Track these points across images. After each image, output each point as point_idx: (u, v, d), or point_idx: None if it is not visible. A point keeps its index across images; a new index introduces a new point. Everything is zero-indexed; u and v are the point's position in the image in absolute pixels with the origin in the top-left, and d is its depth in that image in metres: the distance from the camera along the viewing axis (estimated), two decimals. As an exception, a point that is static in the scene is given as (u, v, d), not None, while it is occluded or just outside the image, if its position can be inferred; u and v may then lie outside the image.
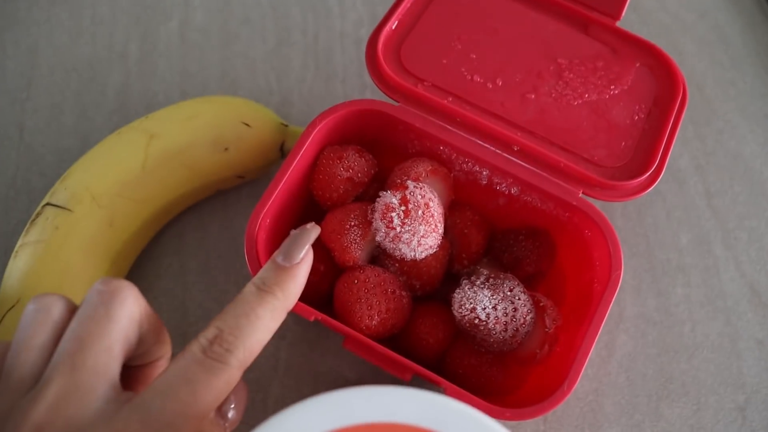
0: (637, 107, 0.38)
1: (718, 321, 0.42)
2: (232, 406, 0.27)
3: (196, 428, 0.23)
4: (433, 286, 0.38)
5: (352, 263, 0.36)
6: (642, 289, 0.42)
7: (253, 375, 0.39)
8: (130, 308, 0.24)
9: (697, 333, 0.42)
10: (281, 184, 0.35)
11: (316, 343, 0.40)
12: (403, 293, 0.36)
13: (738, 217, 0.44)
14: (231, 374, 0.23)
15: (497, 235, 0.39)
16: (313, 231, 0.28)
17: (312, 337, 0.40)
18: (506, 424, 0.39)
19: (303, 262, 0.27)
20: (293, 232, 0.28)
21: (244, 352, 0.24)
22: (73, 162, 0.40)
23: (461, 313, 0.34)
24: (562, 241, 0.39)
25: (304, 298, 0.38)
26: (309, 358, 0.40)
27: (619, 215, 0.44)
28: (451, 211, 0.39)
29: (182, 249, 0.42)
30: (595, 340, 0.33)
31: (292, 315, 0.40)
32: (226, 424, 0.26)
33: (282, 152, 0.42)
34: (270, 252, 0.37)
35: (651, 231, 0.43)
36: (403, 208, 0.34)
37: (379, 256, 0.38)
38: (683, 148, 0.45)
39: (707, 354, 0.41)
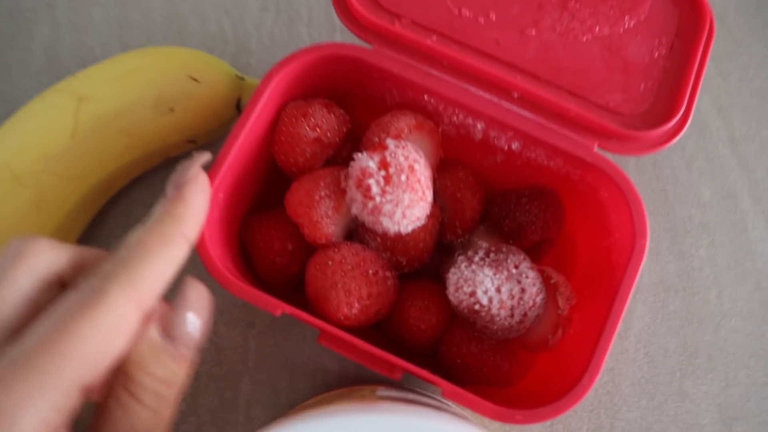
0: (656, 42, 0.31)
1: (747, 285, 0.36)
2: (188, 322, 0.22)
3: (93, 373, 0.18)
4: (422, 261, 0.32)
5: (324, 241, 0.30)
6: (661, 252, 0.36)
7: (220, 370, 0.34)
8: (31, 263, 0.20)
9: (724, 299, 0.36)
10: (233, 150, 0.29)
11: (290, 329, 0.34)
12: (388, 273, 0.30)
13: (767, 165, 0.38)
14: (116, 306, 0.19)
15: (495, 198, 0.33)
16: (200, 156, 0.25)
17: (284, 323, 0.34)
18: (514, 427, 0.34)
19: (191, 182, 0.24)
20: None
21: (129, 280, 0.20)
22: (-6, 133, 0.33)
23: (458, 297, 0.28)
24: (573, 204, 0.32)
25: (270, 285, 0.32)
26: (283, 348, 0.34)
27: (633, 167, 0.37)
28: (440, 172, 0.32)
29: (130, 228, 0.35)
30: (618, 323, 0.27)
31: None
32: (183, 348, 0.21)
33: (238, 110, 0.35)
34: (225, 235, 0.31)
35: (669, 185, 0.37)
36: (382, 173, 0.28)
37: (358, 230, 0.31)
38: (703, 88, 0.39)
39: (736, 323, 0.36)
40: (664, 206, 0.37)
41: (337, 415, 0.19)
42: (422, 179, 0.28)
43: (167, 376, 0.21)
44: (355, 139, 0.33)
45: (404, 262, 0.31)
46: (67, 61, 0.38)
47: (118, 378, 0.20)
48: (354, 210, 0.29)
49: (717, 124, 0.38)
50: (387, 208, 0.28)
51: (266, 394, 0.34)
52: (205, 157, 0.25)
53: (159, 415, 0.20)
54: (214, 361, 0.34)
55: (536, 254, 0.33)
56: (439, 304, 0.31)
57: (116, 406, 0.20)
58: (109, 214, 0.36)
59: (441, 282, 0.32)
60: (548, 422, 0.34)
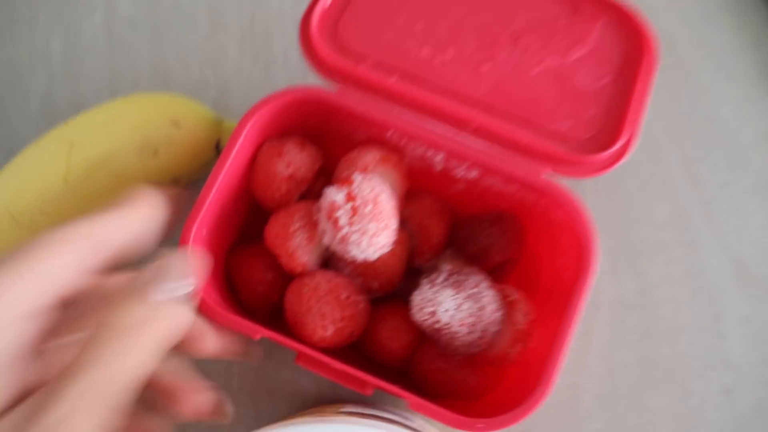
0: (603, 70, 0.33)
1: (701, 300, 0.38)
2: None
3: None
4: (393, 285, 0.34)
5: (300, 270, 0.32)
6: (619, 272, 0.38)
7: (206, 395, 0.35)
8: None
9: (680, 315, 0.38)
10: (215, 189, 0.31)
11: (270, 354, 0.36)
12: (360, 298, 0.32)
13: (718, 185, 0.40)
14: None
15: (460, 223, 0.35)
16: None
17: (265, 350, 0.36)
18: None
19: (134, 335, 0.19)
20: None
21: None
22: (-5, 177, 0.35)
23: (421, 317, 0.30)
24: (532, 226, 0.34)
25: (253, 311, 0.34)
26: (264, 372, 0.36)
27: (590, 191, 0.39)
28: (407, 201, 0.34)
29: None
30: (570, 336, 0.29)
31: (244, 326, 0.36)
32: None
33: (218, 151, 0.37)
34: (210, 267, 0.33)
35: (625, 207, 0.39)
36: (349, 205, 0.30)
37: (332, 259, 0.33)
38: (656, 114, 0.41)
39: (691, 336, 0.38)
40: (621, 228, 0.39)
41: (284, 428, 0.21)
42: (386, 209, 0.30)
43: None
44: (328, 173, 0.35)
45: (376, 286, 0.33)
46: (61, 107, 0.40)
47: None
48: (326, 240, 0.31)
49: (669, 147, 0.40)
50: (354, 237, 0.30)
51: (249, 415, 0.35)
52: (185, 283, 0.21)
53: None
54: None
55: (500, 275, 0.35)
56: (410, 324, 0.33)
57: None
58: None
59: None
60: (516, 433, 0.36)
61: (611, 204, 0.39)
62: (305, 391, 0.36)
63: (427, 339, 0.33)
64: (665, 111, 0.41)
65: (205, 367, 0.35)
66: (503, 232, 0.34)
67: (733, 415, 0.36)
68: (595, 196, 0.39)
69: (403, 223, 0.34)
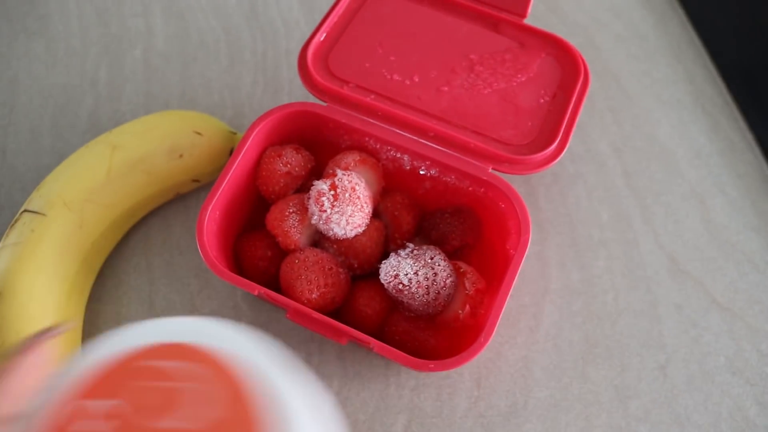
0: (542, 92, 0.42)
1: (639, 289, 0.46)
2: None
3: None
4: (371, 264, 0.42)
5: (293, 246, 0.41)
6: (566, 264, 0.46)
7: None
8: None
9: (620, 301, 0.46)
10: (227, 179, 0.40)
11: (268, 325, 0.44)
12: (341, 270, 0.41)
13: (655, 193, 0.48)
14: None
15: (426, 215, 0.44)
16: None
17: (264, 321, 0.45)
18: (434, 376, 0.43)
19: None
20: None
21: None
22: (50, 177, 0.45)
23: (386, 279, 0.39)
24: (485, 216, 0.43)
25: (252, 278, 0.43)
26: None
27: (543, 197, 0.48)
28: (383, 197, 0.43)
29: (148, 248, 0.47)
30: (508, 296, 0.37)
31: (246, 301, 0.45)
32: None
33: (233, 156, 0.47)
34: (221, 244, 0.41)
35: (573, 210, 0.48)
36: (332, 192, 0.39)
37: (320, 241, 0.42)
38: (602, 134, 0.50)
39: (629, 320, 0.45)
40: (569, 227, 0.47)
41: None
42: (361, 196, 0.39)
43: None
44: (318, 174, 0.44)
45: (356, 265, 0.42)
46: (105, 123, 0.50)
47: None
48: (313, 221, 0.40)
49: (613, 161, 0.49)
50: (335, 217, 0.39)
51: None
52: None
53: None
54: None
55: (460, 256, 0.43)
56: (382, 295, 0.41)
57: None
58: (132, 237, 0.47)
59: (386, 282, 0.42)
60: (473, 398, 0.43)
61: (562, 208, 0.48)
62: (296, 354, 0.44)
63: (396, 307, 0.41)
64: (610, 131, 0.50)
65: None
66: (461, 222, 0.42)
67: (666, 387, 0.43)
68: (548, 201, 0.48)
69: (380, 215, 0.43)
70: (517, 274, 0.38)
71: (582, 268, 0.46)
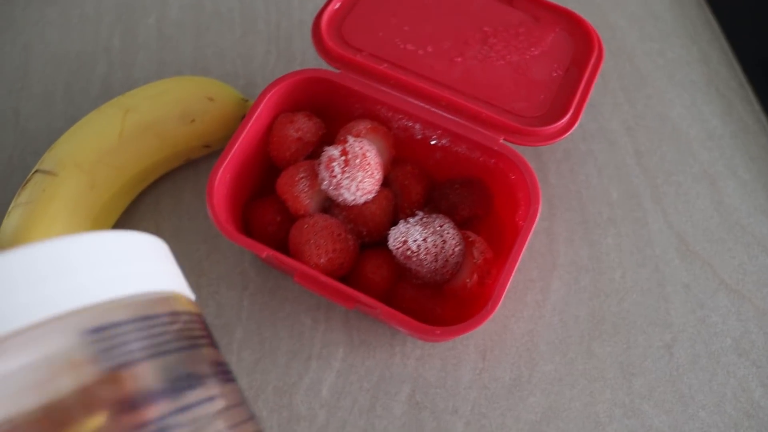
0: (555, 65, 0.44)
1: (647, 267, 0.47)
2: None
3: None
4: (379, 232, 0.43)
5: (303, 212, 0.42)
6: (575, 240, 0.48)
7: (220, 321, 0.45)
8: None
9: (627, 279, 0.47)
10: (238, 143, 0.41)
11: (275, 291, 0.46)
12: (349, 236, 0.42)
13: (665, 173, 0.49)
14: None
15: (436, 185, 0.45)
16: None
17: (272, 287, 0.46)
18: (440, 347, 0.44)
19: None
20: None
21: None
22: (62, 141, 0.46)
23: (395, 246, 0.40)
24: (495, 187, 0.44)
25: (261, 242, 0.44)
26: (269, 306, 0.46)
27: (553, 173, 0.49)
28: (394, 166, 0.45)
29: (158, 213, 0.48)
30: (516, 265, 0.38)
31: (254, 266, 0.46)
32: None
33: (244, 123, 0.48)
34: (231, 207, 0.43)
35: (583, 187, 0.49)
36: (343, 158, 0.40)
37: (329, 207, 0.44)
38: (614, 113, 0.51)
39: (636, 297, 0.46)
40: (579, 204, 0.48)
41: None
42: (372, 162, 0.41)
43: None
44: (329, 142, 0.45)
45: (365, 232, 0.43)
46: (117, 90, 0.52)
47: None
48: (323, 186, 0.41)
49: (625, 140, 0.50)
50: (345, 182, 0.40)
51: (254, 340, 0.45)
52: None
53: None
54: (215, 314, 0.45)
55: (470, 227, 0.44)
56: (390, 262, 0.43)
57: None
58: (142, 201, 0.48)
59: (394, 251, 0.44)
60: (477, 370, 0.44)
61: (572, 185, 0.49)
62: (302, 322, 0.45)
63: (403, 275, 0.43)
64: (622, 110, 0.51)
65: (221, 299, 0.46)
66: (471, 192, 0.44)
67: (671, 366, 0.45)
68: (558, 177, 0.49)
69: (389, 184, 0.44)
70: (525, 248, 0.40)
71: (590, 244, 0.47)
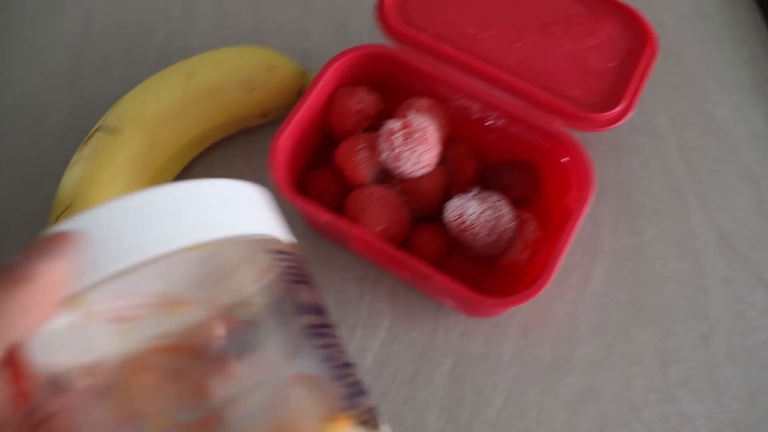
0: (610, 57, 0.45)
1: (687, 260, 0.49)
2: None
3: None
4: (431, 208, 0.45)
5: (360, 182, 0.44)
6: (618, 229, 0.49)
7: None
8: None
9: (667, 269, 0.48)
10: (301, 110, 0.43)
11: (324, 261, 0.48)
12: (404, 209, 0.44)
13: (709, 170, 0.51)
14: None
15: (488, 166, 0.47)
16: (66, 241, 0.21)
17: (321, 256, 0.48)
18: (483, 323, 0.46)
19: (35, 285, 0.20)
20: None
21: None
22: (120, 104, 0.48)
23: (452, 218, 0.42)
24: (547, 171, 0.46)
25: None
26: (318, 274, 0.46)
27: (600, 163, 0.50)
28: (448, 145, 0.46)
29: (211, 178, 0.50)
30: (569, 243, 0.40)
31: (305, 236, 0.48)
32: None
33: (300, 96, 0.50)
34: (287, 172, 0.44)
35: (629, 178, 0.51)
36: (404, 131, 0.42)
37: (384, 181, 0.45)
38: (661, 108, 0.53)
39: (676, 288, 0.48)
40: (624, 195, 0.50)
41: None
42: (431, 137, 0.42)
43: None
44: (387, 117, 0.47)
45: (418, 206, 0.45)
46: (175, 58, 0.53)
47: None
48: (382, 157, 0.43)
49: (670, 135, 0.52)
50: (405, 154, 0.42)
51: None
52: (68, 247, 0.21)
53: None
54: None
55: (518, 207, 0.46)
56: (442, 236, 0.44)
57: None
58: (196, 165, 0.50)
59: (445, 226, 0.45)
60: (518, 348, 0.46)
61: (617, 175, 0.51)
62: (349, 292, 0.47)
63: (455, 248, 0.44)
64: (669, 107, 0.53)
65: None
66: (522, 174, 0.45)
67: (707, 357, 0.46)
68: (604, 167, 0.51)
69: (443, 161, 0.46)
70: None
71: (633, 234, 0.49)
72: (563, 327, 0.47)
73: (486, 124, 0.46)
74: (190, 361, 0.22)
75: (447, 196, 0.46)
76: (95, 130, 0.46)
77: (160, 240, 0.21)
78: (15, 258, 0.20)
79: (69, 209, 0.44)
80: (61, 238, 0.21)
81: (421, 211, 0.45)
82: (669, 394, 0.45)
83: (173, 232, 0.22)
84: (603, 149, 0.51)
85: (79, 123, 0.52)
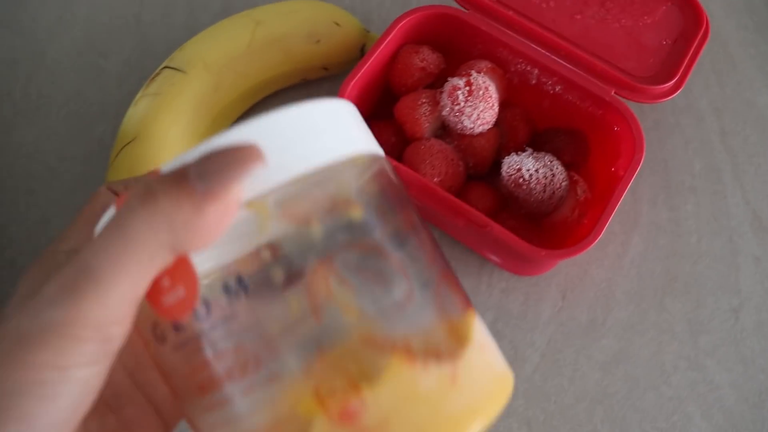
0: (664, 34, 0.48)
1: (722, 237, 0.51)
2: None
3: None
4: (484, 167, 0.47)
5: (419, 135, 0.46)
6: (657, 203, 0.52)
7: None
8: None
9: (702, 244, 0.51)
10: (369, 62, 0.45)
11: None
12: (460, 162, 0.46)
13: (747, 154, 0.54)
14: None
15: (540, 132, 0.49)
16: (256, 159, 0.21)
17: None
18: (524, 282, 0.48)
19: (222, 202, 0.21)
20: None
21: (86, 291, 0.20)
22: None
23: (508, 173, 0.44)
24: (596, 140, 0.48)
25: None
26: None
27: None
28: (503, 108, 0.48)
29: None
30: (619, 203, 0.42)
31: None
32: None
33: (362, 53, 0.52)
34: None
35: (669, 156, 0.53)
36: (467, 88, 0.44)
37: (441, 136, 0.47)
38: (704, 93, 0.55)
39: (709, 262, 0.50)
40: (664, 170, 0.52)
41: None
42: (493, 96, 0.45)
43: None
44: (447, 77, 0.49)
45: (471, 164, 0.47)
46: (238, 8, 0.55)
47: None
48: (444, 113, 0.45)
49: (712, 119, 0.54)
50: (467, 110, 0.44)
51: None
52: (259, 165, 0.21)
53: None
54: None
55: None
56: (494, 192, 0.47)
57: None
58: (254, 112, 0.52)
59: (497, 186, 0.47)
60: (557, 308, 0.48)
61: (659, 152, 0.53)
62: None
63: (506, 206, 0.46)
64: (712, 91, 0.55)
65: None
66: (573, 140, 0.48)
67: (736, 329, 0.49)
68: (647, 144, 0.53)
69: (497, 124, 0.48)
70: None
71: (671, 208, 0.51)
72: (600, 291, 0.49)
73: (545, 88, 0.48)
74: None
75: (498, 157, 0.48)
76: (162, 68, 0.48)
77: (327, 149, 0.23)
78: (196, 168, 0.21)
79: (133, 141, 0.46)
80: (242, 152, 0.21)
81: (473, 168, 0.47)
82: (698, 362, 0.47)
83: (336, 142, 0.24)
84: (647, 126, 0.54)
85: (138, 66, 0.54)
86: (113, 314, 0.20)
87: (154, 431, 0.27)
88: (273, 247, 0.23)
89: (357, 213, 0.25)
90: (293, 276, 0.23)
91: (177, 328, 0.23)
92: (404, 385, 0.22)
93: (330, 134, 0.24)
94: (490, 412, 0.23)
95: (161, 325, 0.23)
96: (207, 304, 0.22)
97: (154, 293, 0.22)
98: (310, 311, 0.23)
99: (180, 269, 0.22)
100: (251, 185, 0.21)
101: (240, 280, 0.23)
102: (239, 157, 0.21)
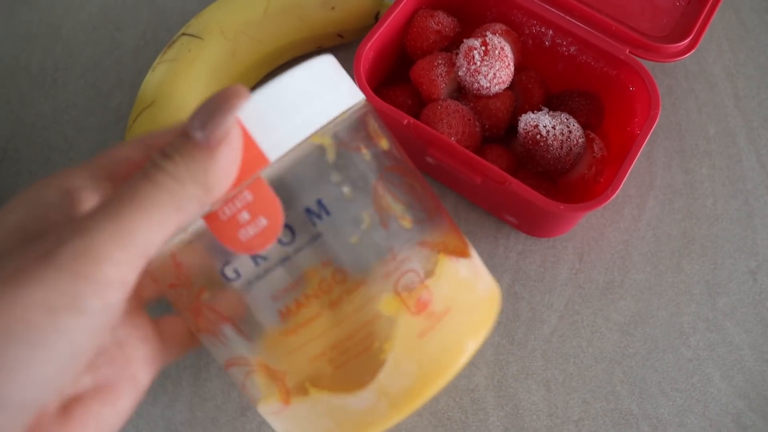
0: (679, -3, 0.49)
1: (738, 199, 0.52)
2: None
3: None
4: (499, 128, 0.49)
5: (436, 96, 0.47)
6: (672, 166, 0.53)
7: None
8: None
9: (718, 206, 0.52)
10: (384, 25, 0.47)
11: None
12: (476, 123, 0.47)
13: (762, 118, 0.55)
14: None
15: (555, 95, 0.50)
16: (237, 98, 0.24)
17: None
18: (541, 244, 0.49)
19: (226, 143, 0.24)
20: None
21: (113, 239, 0.22)
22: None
23: (525, 129, 0.45)
24: (609, 102, 0.49)
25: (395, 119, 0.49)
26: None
27: (658, 104, 0.54)
28: (518, 71, 0.50)
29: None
30: (635, 160, 0.43)
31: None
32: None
33: (376, 20, 0.53)
34: (369, 81, 0.47)
35: (683, 120, 0.54)
36: (483, 48, 0.46)
37: (458, 99, 0.49)
38: (717, 59, 0.57)
39: (726, 224, 0.51)
40: (678, 134, 0.54)
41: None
42: (508, 55, 0.46)
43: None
44: (460, 42, 0.50)
45: (487, 125, 0.48)
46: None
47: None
48: (460, 73, 0.47)
49: (725, 83, 0.56)
50: (484, 70, 0.45)
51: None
52: (243, 97, 0.24)
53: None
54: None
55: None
56: (510, 154, 0.48)
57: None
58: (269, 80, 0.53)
59: (511, 147, 0.49)
60: (574, 270, 0.49)
61: (673, 117, 0.54)
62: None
63: (522, 166, 0.47)
64: (725, 57, 0.57)
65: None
66: (587, 103, 0.49)
67: (754, 290, 0.50)
68: (661, 108, 0.54)
69: (512, 87, 0.49)
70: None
71: (686, 172, 0.52)
72: (617, 253, 0.50)
73: (560, 50, 0.49)
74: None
75: (513, 121, 0.49)
76: (179, 35, 0.50)
77: (354, 92, 0.30)
78: (191, 123, 0.24)
79: (151, 106, 0.47)
80: (225, 94, 0.24)
81: (489, 131, 0.48)
82: (716, 323, 0.48)
83: (354, 88, 0.30)
84: (660, 92, 0.55)
85: (154, 38, 0.56)
86: (124, 258, 0.22)
87: (128, 393, 0.27)
88: (340, 168, 0.27)
89: (384, 143, 0.28)
90: (358, 193, 0.27)
91: (259, 259, 0.26)
92: (452, 275, 0.28)
93: (349, 81, 0.30)
94: (499, 296, 0.33)
95: (231, 264, 0.26)
96: (292, 230, 0.26)
97: (229, 230, 0.25)
98: (379, 222, 0.27)
99: (261, 200, 0.25)
100: (311, 123, 0.26)
101: (320, 203, 0.26)
102: (224, 99, 0.24)
